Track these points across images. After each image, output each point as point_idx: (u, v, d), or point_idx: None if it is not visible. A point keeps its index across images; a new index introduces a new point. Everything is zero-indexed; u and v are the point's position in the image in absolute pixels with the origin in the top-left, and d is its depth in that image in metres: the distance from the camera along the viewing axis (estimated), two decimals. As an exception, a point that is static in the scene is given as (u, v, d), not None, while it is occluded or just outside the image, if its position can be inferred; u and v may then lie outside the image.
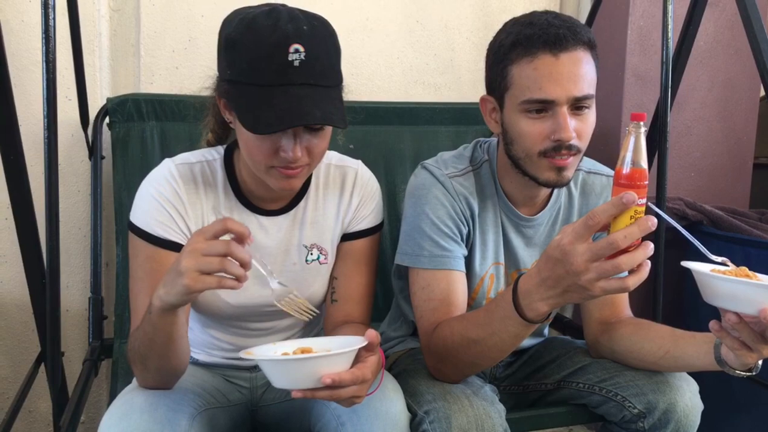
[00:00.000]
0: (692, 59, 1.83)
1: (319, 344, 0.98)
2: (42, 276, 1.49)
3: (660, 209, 1.72)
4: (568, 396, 1.31)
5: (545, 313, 0.97)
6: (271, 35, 0.94)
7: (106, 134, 1.70)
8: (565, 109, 1.07)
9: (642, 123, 0.85)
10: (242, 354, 0.91)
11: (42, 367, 1.59)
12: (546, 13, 1.10)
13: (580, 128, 1.09)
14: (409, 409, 1.09)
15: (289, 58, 0.94)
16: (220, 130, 1.18)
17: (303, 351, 0.95)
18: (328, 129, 1.04)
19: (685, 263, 0.96)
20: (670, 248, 1.78)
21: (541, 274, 0.93)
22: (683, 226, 1.81)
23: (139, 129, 1.67)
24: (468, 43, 2.12)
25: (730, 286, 0.90)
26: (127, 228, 1.59)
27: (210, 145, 1.20)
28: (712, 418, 1.27)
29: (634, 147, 0.86)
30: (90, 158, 1.72)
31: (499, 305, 1.02)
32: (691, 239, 0.96)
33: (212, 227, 0.84)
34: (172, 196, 1.08)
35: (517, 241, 1.27)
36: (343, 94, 1.06)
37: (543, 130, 1.09)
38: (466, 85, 2.13)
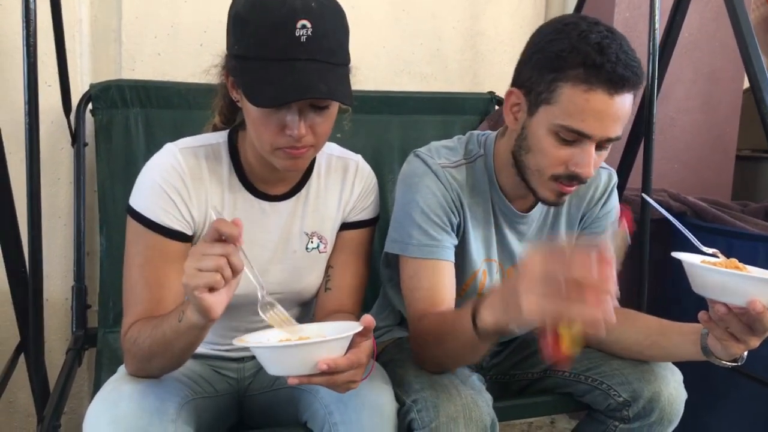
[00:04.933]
0: (676, 51, 1.83)
1: (312, 330, 0.97)
2: (21, 265, 1.46)
3: (645, 200, 1.73)
4: (553, 385, 1.32)
5: (489, 324, 0.94)
6: (278, 10, 0.94)
7: (89, 121, 1.68)
8: (593, 146, 1.05)
9: None
10: (235, 342, 0.91)
11: (22, 357, 1.57)
12: (611, 36, 1.02)
13: (595, 162, 1.08)
14: (397, 398, 1.09)
15: (296, 34, 0.93)
16: (228, 112, 1.17)
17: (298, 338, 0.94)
18: (333, 109, 1.03)
19: (676, 254, 0.96)
20: (654, 240, 1.80)
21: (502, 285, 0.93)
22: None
23: (123, 116, 1.64)
24: (455, 32, 2.11)
25: (719, 277, 0.91)
26: (111, 216, 1.61)
27: (216, 129, 1.19)
28: (696, 408, 1.28)
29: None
30: (73, 145, 1.69)
31: (465, 308, 1.00)
32: (684, 231, 0.96)
33: (208, 232, 0.85)
34: (177, 183, 1.07)
35: (511, 236, 1.26)
36: (351, 76, 1.05)
37: (565, 157, 1.07)
38: (453, 74, 2.13)
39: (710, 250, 0.99)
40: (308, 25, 0.94)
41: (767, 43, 2.22)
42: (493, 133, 1.25)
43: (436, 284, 1.16)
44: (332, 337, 0.87)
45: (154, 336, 0.95)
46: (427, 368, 1.14)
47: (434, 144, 1.26)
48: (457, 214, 1.20)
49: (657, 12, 1.64)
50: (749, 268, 0.97)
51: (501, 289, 0.95)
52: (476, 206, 1.22)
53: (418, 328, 1.14)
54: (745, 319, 0.94)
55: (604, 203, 1.30)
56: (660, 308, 1.45)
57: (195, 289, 0.82)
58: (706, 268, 0.93)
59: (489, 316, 0.94)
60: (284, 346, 0.87)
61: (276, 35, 0.94)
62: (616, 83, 1.00)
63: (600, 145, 1.07)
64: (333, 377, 0.87)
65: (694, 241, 0.98)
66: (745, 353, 1.01)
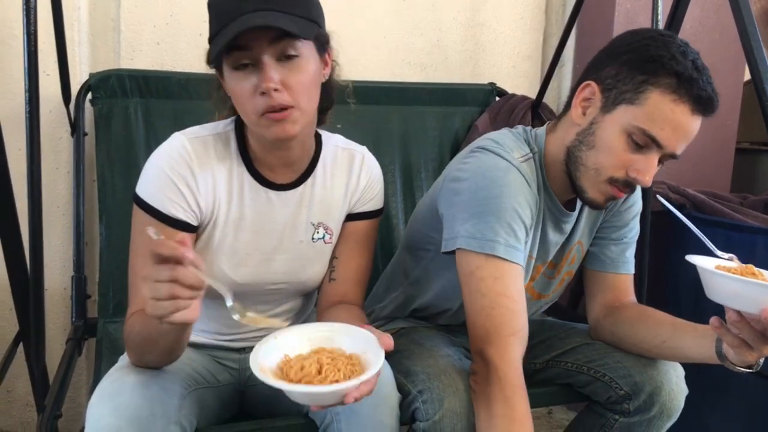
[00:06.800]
0: (678, 43, 1.83)
1: (326, 336, 0.97)
2: (21, 254, 1.45)
3: (647, 191, 1.73)
4: (555, 375, 1.32)
5: None
6: None
7: (88, 110, 1.67)
8: (657, 157, 1.06)
9: None
10: (259, 375, 0.88)
11: (20, 347, 1.56)
12: (703, 62, 1.05)
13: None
14: (402, 387, 1.09)
15: None
16: (231, 111, 1.14)
17: (317, 353, 0.94)
18: (303, 62, 1.00)
19: (691, 258, 0.95)
20: (653, 232, 1.80)
21: None
22: (668, 210, 1.82)
23: (123, 105, 1.64)
24: (455, 23, 2.10)
25: (733, 284, 0.91)
26: (111, 206, 1.60)
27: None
28: (696, 403, 1.28)
29: None
30: (72, 135, 1.68)
31: None
32: (700, 236, 0.96)
33: (150, 256, 0.79)
34: (185, 172, 1.06)
35: (552, 234, 1.23)
36: (332, 49, 1.09)
37: (629, 162, 1.07)
38: (454, 65, 2.12)
39: (726, 255, 0.99)
40: None
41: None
42: (542, 129, 1.22)
43: (521, 298, 1.08)
44: (365, 378, 0.87)
45: (142, 334, 0.95)
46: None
47: (495, 136, 1.19)
48: (533, 212, 1.14)
49: (660, 3, 1.63)
50: (766, 273, 0.97)
51: None
52: (538, 203, 1.18)
53: (509, 348, 1.04)
54: (757, 326, 0.93)
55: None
56: (660, 299, 1.45)
57: (161, 318, 0.80)
58: (719, 274, 0.92)
59: None
60: (321, 391, 0.86)
61: (228, 2, 0.97)
62: (702, 103, 1.03)
63: (660, 160, 1.08)
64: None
65: (709, 246, 0.98)
66: (761, 360, 1.00)
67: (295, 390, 0.87)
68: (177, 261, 0.78)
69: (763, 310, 0.88)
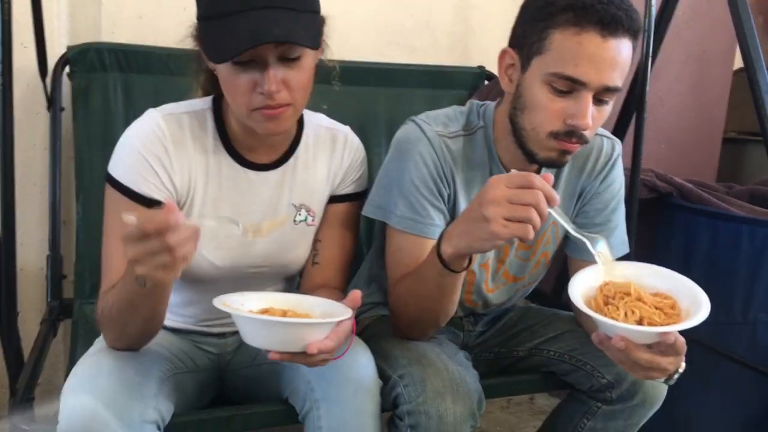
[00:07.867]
0: (669, 31, 1.81)
1: (294, 301, 0.98)
2: (-5, 233, 1.42)
3: (634, 179, 1.72)
4: (538, 363, 1.32)
5: (452, 255, 0.97)
6: None
7: (66, 85, 1.62)
8: (590, 96, 1.01)
9: None
10: (218, 305, 0.89)
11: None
12: None
13: (595, 119, 1.04)
14: (383, 373, 1.08)
15: None
16: (209, 85, 1.11)
17: (282, 311, 0.93)
18: (306, 61, 0.99)
19: (573, 285, 0.94)
20: (641, 220, 1.79)
21: (465, 212, 0.96)
22: (654, 198, 1.82)
23: (102, 80, 1.59)
24: (446, 4, 2.07)
25: (598, 321, 0.91)
26: (88, 184, 1.56)
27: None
28: (678, 391, 1.28)
29: None
30: (48, 110, 1.63)
31: (431, 252, 1.02)
32: (580, 237, 0.96)
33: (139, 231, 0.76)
34: (159, 150, 1.03)
35: None
36: (325, 29, 1.05)
37: (561, 110, 1.03)
38: (443, 48, 2.09)
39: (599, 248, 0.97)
40: None
41: (759, 25, 2.21)
42: (492, 104, 1.21)
43: (418, 261, 1.12)
44: (326, 321, 0.86)
45: (118, 304, 0.93)
46: (406, 333, 1.15)
47: (433, 112, 1.21)
48: (447, 186, 1.16)
49: (654, -14, 1.62)
50: (661, 271, 0.98)
51: (462, 218, 0.97)
52: (472, 179, 1.18)
53: (396, 291, 1.13)
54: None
55: (606, 176, 1.24)
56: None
57: (147, 276, 0.79)
58: (585, 313, 0.91)
59: (450, 244, 0.97)
60: (277, 321, 0.86)
61: None
62: (608, 24, 0.98)
63: (599, 99, 1.03)
64: (313, 358, 0.87)
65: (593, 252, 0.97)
66: (676, 375, 0.99)
67: (250, 317, 0.86)
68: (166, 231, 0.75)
69: (613, 338, 0.89)
